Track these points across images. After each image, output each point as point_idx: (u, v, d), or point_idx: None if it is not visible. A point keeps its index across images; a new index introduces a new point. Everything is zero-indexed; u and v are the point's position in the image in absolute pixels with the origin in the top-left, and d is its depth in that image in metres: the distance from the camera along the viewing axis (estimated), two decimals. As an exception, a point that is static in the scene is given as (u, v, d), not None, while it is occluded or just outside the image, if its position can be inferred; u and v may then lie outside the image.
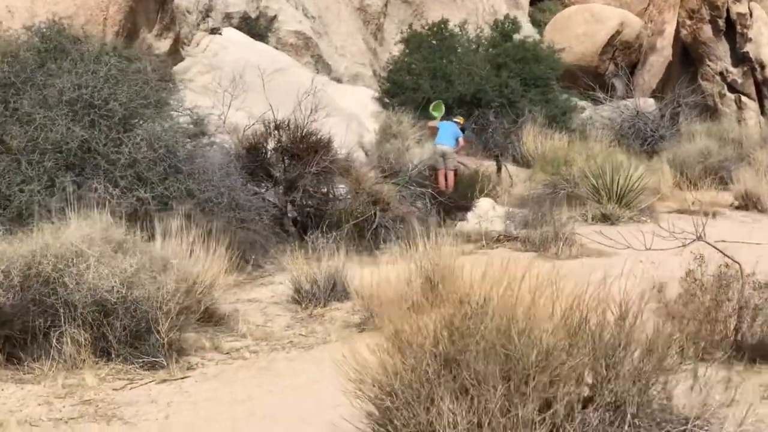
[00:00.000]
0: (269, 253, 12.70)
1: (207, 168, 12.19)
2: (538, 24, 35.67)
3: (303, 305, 10.62)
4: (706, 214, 17.71)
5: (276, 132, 13.66)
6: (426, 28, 25.48)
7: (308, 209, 14.15)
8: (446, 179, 18.31)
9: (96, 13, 14.55)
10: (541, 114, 23.51)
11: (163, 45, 16.45)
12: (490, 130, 23.49)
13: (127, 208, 11.18)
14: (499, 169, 21.57)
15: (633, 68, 34.01)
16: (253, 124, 14.27)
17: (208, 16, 21.87)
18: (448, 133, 18.69)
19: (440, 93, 23.82)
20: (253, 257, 12.06)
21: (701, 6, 28.16)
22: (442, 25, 25.20)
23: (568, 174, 18.47)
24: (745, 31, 27.70)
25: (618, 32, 32.58)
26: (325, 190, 13.82)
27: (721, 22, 27.93)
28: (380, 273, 10.14)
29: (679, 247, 12.80)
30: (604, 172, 17.26)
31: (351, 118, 21.45)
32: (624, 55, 32.68)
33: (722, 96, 28.07)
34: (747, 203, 18.83)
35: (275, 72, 21.02)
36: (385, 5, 27.95)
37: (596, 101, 29.63)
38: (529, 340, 5.27)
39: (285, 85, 20.76)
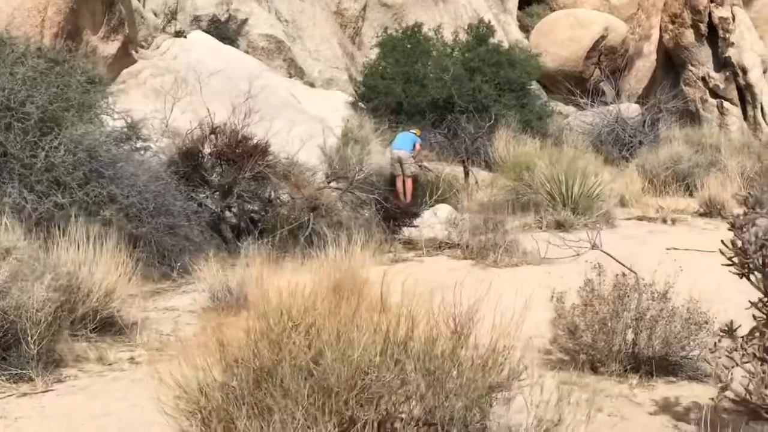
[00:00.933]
0: (199, 260, 12.43)
1: (132, 172, 11.93)
2: (527, 29, 35.44)
3: (218, 314, 10.36)
4: (665, 221, 17.64)
5: (212, 136, 13.37)
6: (400, 32, 25.20)
7: (251, 215, 13.91)
8: (404, 186, 18.07)
9: (33, 15, 14.34)
10: (515, 119, 23.19)
11: (110, 47, 16.25)
12: (462, 135, 23.20)
13: (43, 213, 10.97)
14: (466, 175, 21.34)
15: (620, 73, 33.76)
16: (195, 129, 14.00)
17: (173, 18, 21.66)
18: (405, 140, 18.47)
19: (413, 97, 23.62)
20: (178, 264, 11.80)
21: (683, 10, 27.84)
22: (416, 29, 24.94)
23: (530, 180, 18.18)
24: (727, 35, 27.36)
25: (603, 37, 32.29)
26: (266, 195, 13.53)
27: (703, 27, 27.60)
28: (290, 282, 9.90)
29: (573, 256, 12.55)
30: (560, 178, 16.95)
31: (317, 122, 21.22)
32: (609, 60, 32.38)
33: (704, 101, 27.73)
34: (711, 210, 18.48)
35: (241, 75, 20.84)
36: (363, 9, 27.72)
37: (580, 106, 29.42)
38: (340, 356, 5.02)
39: (253, 89, 20.57)
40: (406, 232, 15.25)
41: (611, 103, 29.29)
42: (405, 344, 5.26)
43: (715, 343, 6.04)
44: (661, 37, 29.60)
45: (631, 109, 29.13)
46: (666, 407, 7.39)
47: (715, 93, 27.87)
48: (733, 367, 5.87)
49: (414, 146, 18.56)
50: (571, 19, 32.73)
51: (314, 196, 13.56)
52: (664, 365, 8.03)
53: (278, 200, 13.85)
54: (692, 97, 28.16)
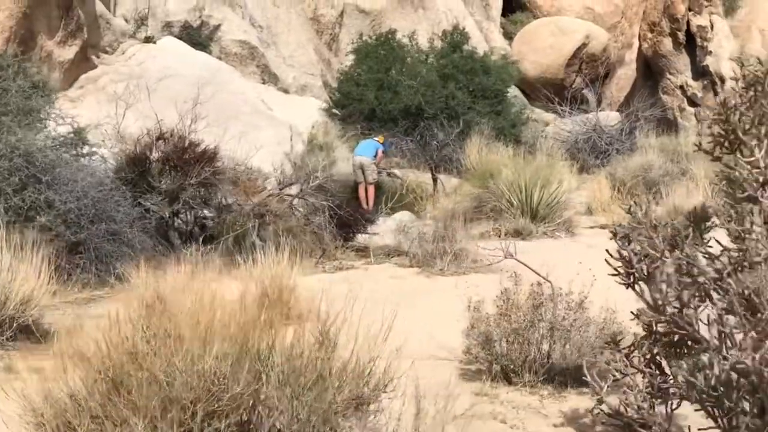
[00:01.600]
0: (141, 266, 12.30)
1: (71, 178, 11.83)
2: (510, 36, 35.37)
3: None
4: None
5: (159, 142, 13.28)
6: (374, 38, 25.12)
7: (202, 221, 13.82)
8: (366, 192, 17.97)
9: (-18, 19, 14.28)
10: (489, 126, 23.06)
11: (67, 52, 16.16)
12: (434, 142, 23.10)
13: (-25, 218, 10.86)
14: (434, 182, 21.25)
15: (601, 81, 33.69)
16: (146, 134, 13.90)
17: (143, 24, 21.57)
18: (368, 146, 18.40)
19: (385, 104, 23.53)
20: (115, 271, 11.68)
21: (662, 18, 27.76)
22: (390, 36, 24.84)
23: (494, 187, 18.07)
24: (705, 44, 27.27)
25: (584, 45, 32.22)
26: (214, 201, 13.43)
27: (681, 35, 27.52)
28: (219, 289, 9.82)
29: (489, 264, 12.43)
30: (521, 185, 16.85)
31: (286, 128, 21.12)
32: (590, 67, 32.29)
33: (682, 110, 27.64)
34: (675, 218, 18.33)
35: (207, 81, 20.74)
36: (341, 15, 27.64)
37: (560, 114, 29.35)
38: (190, 365, 4.90)
39: (218, 94, 20.47)
40: (361, 239, 15.13)
41: (591, 111, 29.23)
42: (265, 354, 5.14)
43: (595, 354, 5.92)
44: (640, 45, 29.51)
45: (610, 117, 29.08)
46: (572, 419, 7.26)
47: (692, 101, 27.77)
48: (614, 379, 5.77)
49: (376, 153, 18.47)
50: (552, 27, 32.65)
51: (263, 202, 13.44)
52: (578, 376, 7.90)
53: (226, 207, 13.72)
54: (670, 105, 28.07)
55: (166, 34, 22.67)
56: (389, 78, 23.82)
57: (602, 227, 17.69)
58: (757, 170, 5.11)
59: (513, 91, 31.95)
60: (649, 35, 28.46)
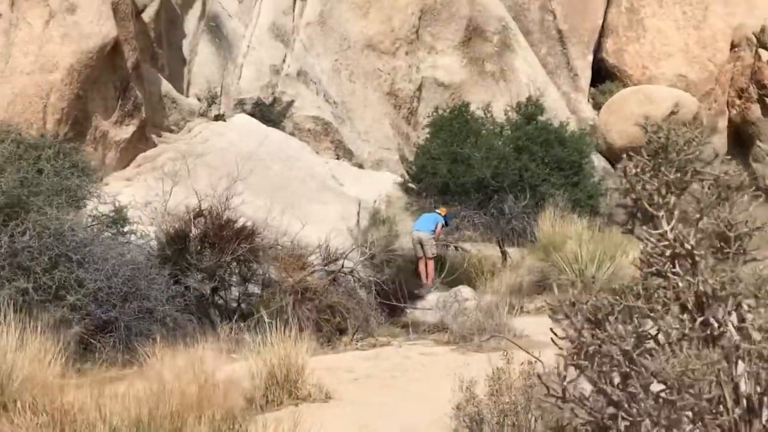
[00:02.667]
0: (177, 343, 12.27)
1: (102, 256, 11.91)
2: (599, 106, 34.88)
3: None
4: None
5: (198, 219, 13.32)
6: (448, 111, 25.03)
7: (246, 298, 13.78)
8: (426, 267, 17.73)
9: (35, 101, 14.63)
10: (564, 198, 22.61)
11: (124, 132, 16.45)
12: (508, 214, 22.76)
13: (5, 298, 10.97)
14: (503, 255, 20.87)
15: (693, 149, 32.88)
16: (186, 212, 13.95)
17: (214, 102, 21.90)
18: (427, 221, 18.19)
19: (458, 177, 23.32)
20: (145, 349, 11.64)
21: (749, 84, 27.03)
22: (464, 108, 24.72)
23: (556, 260, 17.64)
24: (794, 109, 26.44)
25: (673, 113, 31.48)
26: (253, 278, 13.37)
27: (770, 101, 26.74)
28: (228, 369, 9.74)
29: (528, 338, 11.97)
30: (582, 258, 16.39)
31: (353, 203, 21.08)
32: (681, 136, 31.52)
33: (773, 178, 26.73)
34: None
35: (275, 157, 20.91)
36: (419, 89, 27.65)
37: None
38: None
39: (284, 170, 20.61)
40: (410, 314, 14.88)
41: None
42: None
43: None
44: (728, 112, 28.75)
45: (700, 187, 28.30)
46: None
47: (784, 169, 26.87)
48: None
49: (436, 227, 18.23)
50: (640, 96, 32.07)
51: (302, 279, 13.31)
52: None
53: (267, 283, 13.64)
54: (761, 173, 27.16)
55: (238, 112, 22.98)
56: (462, 151, 23.64)
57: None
58: (665, 243, 4.75)
59: (599, 162, 31.48)
60: (737, 102, 27.72)
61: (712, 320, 4.74)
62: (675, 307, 4.66)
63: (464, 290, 16.74)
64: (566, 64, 35.18)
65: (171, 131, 19.32)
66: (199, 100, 22.21)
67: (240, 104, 23.28)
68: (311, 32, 25.42)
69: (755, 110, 27.02)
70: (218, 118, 21.56)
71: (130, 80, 16.49)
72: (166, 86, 19.46)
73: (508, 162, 23.41)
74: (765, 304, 4.62)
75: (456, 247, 20.77)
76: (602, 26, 36.06)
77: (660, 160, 4.80)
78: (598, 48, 36.01)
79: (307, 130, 24.06)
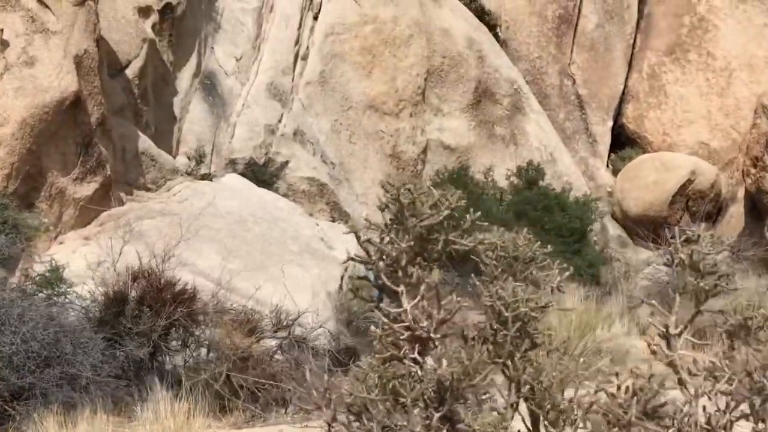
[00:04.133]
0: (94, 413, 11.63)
1: (20, 317, 11.36)
2: (618, 173, 34.11)
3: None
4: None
5: (136, 281, 12.76)
6: (445, 175, 24.43)
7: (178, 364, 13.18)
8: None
9: (-18, 156, 14.24)
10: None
11: (85, 189, 15.98)
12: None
13: None
14: (491, 325, 20.07)
15: (712, 219, 31.99)
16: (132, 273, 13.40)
17: (201, 161, 21.46)
18: None
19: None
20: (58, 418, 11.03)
21: (764, 153, 26.11)
22: (462, 172, 24.11)
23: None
24: (810, 179, 25.46)
25: (690, 181, 30.65)
26: (189, 343, 12.76)
27: (785, 171, 25.78)
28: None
29: None
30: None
31: (338, 268, 20.44)
32: (698, 205, 30.60)
33: (789, 250, 25.66)
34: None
35: (260, 219, 20.38)
36: (423, 152, 27.06)
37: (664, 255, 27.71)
38: None
39: (268, 231, 20.07)
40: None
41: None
42: None
43: None
44: (744, 182, 27.82)
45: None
46: None
47: (799, 240, 25.78)
48: None
49: None
50: (656, 163, 31.28)
51: (249, 345, 12.67)
52: None
53: (212, 348, 13.02)
54: (776, 245, 26.12)
55: (230, 171, 22.52)
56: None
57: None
58: (404, 324, 4.08)
59: (613, 230, 30.67)
60: (753, 171, 26.78)
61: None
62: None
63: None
64: (585, 129, 34.52)
65: (148, 190, 18.86)
66: (188, 159, 21.80)
67: (232, 164, 22.82)
68: (311, 91, 25.01)
69: (770, 180, 26.08)
70: (205, 177, 21.09)
71: (94, 136, 16.07)
72: (145, 143, 19.04)
73: (506, 228, 22.63)
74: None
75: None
76: (623, 92, 35.40)
77: (396, 227, 4.19)
78: (618, 114, 35.32)
79: (301, 191, 23.54)
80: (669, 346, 5.21)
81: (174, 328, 12.78)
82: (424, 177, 26.87)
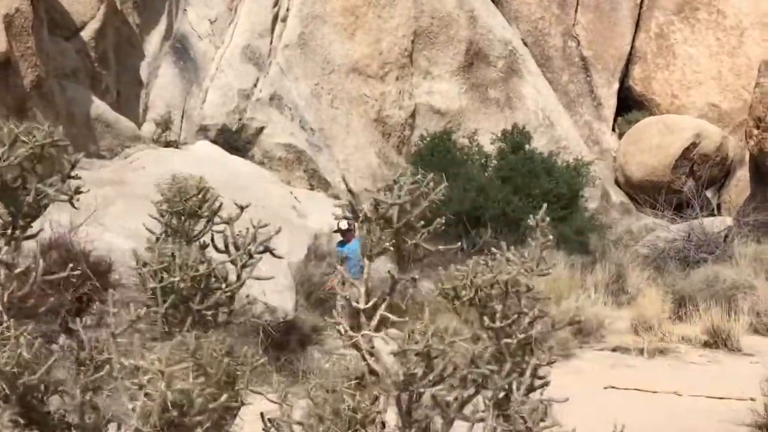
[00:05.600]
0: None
1: None
2: (625, 136, 33.00)
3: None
4: (642, 353, 14.98)
5: (48, 254, 11.96)
6: (426, 140, 23.48)
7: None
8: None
9: None
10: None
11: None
12: (486, 251, 21.04)
13: None
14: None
15: (719, 183, 30.88)
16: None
17: (168, 128, 20.66)
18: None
19: (434, 210, 21.68)
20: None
21: (766, 113, 24.89)
22: (445, 137, 23.15)
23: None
24: (814, 141, 24.23)
25: (694, 144, 29.50)
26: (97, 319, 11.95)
27: (788, 131, 24.56)
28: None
29: None
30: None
31: (306, 237, 19.63)
32: (703, 169, 29.41)
33: (791, 214, 24.46)
34: (716, 340, 15.71)
35: (226, 186, 19.52)
36: (411, 116, 26.10)
37: (673, 220, 26.67)
38: None
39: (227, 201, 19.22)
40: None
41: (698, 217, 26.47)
42: None
43: None
44: (747, 143, 26.61)
45: (717, 224, 26.22)
46: None
47: (803, 205, 24.59)
48: None
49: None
50: (660, 125, 30.13)
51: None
52: None
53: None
54: (780, 211, 24.93)
55: (201, 138, 21.73)
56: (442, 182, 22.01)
57: (613, 350, 15.32)
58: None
59: (616, 197, 29.61)
60: (755, 132, 25.53)
61: None
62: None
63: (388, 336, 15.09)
64: (590, 92, 33.39)
65: (102, 157, 18.08)
66: (156, 125, 21.00)
67: (203, 130, 22.02)
68: (290, 55, 24.10)
69: (773, 141, 24.86)
70: (171, 144, 20.29)
71: (28, 99, 15.28)
72: (99, 108, 18.23)
73: (487, 194, 21.72)
74: None
75: (413, 279, 19.13)
76: (630, 53, 34.21)
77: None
78: (624, 75, 34.15)
79: (278, 158, 22.69)
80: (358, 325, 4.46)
81: (90, 304, 11.97)
82: (412, 143, 25.95)
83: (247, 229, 4.61)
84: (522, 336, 3.73)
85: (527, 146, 23.03)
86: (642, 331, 16.59)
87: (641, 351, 14.84)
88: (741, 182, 29.70)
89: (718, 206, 30.30)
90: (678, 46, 33.78)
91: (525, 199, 22.08)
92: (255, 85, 23.11)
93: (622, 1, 34.27)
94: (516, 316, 3.84)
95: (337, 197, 23.14)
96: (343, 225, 15.09)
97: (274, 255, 4.74)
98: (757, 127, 25.37)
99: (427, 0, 26.65)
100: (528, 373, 3.75)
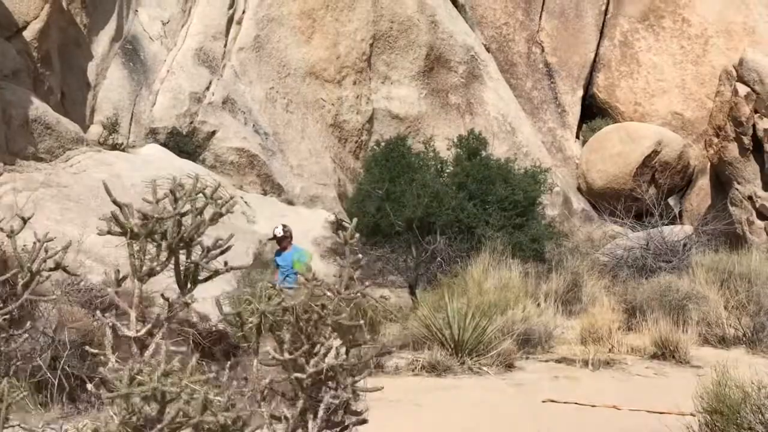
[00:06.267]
0: None
1: None
2: (588, 144, 32.74)
3: None
4: (587, 364, 14.62)
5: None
6: (382, 144, 23.12)
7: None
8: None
9: None
10: (501, 241, 20.45)
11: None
12: (438, 259, 20.74)
13: None
14: (414, 303, 18.83)
15: (681, 191, 30.68)
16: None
17: (114, 130, 20.19)
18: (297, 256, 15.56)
19: (385, 216, 21.37)
20: None
21: (726, 122, 24.71)
22: (399, 142, 22.79)
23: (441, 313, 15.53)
24: (773, 150, 24.07)
25: (655, 152, 29.31)
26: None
27: (747, 140, 24.37)
28: None
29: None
30: (450, 313, 14.36)
31: (255, 244, 19.24)
32: (665, 177, 29.19)
33: (750, 223, 24.32)
34: (664, 351, 15.40)
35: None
36: (369, 122, 25.74)
37: (635, 228, 26.41)
38: None
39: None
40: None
41: (658, 225, 26.23)
42: None
43: None
44: (707, 152, 26.45)
45: (677, 232, 25.99)
46: None
47: (762, 214, 24.41)
48: None
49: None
50: (621, 133, 29.93)
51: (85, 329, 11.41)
52: None
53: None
54: (739, 218, 24.77)
55: (150, 142, 21.27)
56: (393, 188, 21.68)
57: (558, 361, 14.96)
58: None
59: (578, 204, 29.36)
60: (715, 140, 25.39)
61: None
62: None
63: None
64: (554, 99, 33.18)
65: (40, 160, 17.58)
66: (104, 127, 20.53)
67: (152, 133, 21.55)
68: (244, 57, 23.70)
69: (732, 149, 24.67)
70: (117, 147, 19.82)
71: (-46, 100, 14.83)
72: (38, 110, 17.72)
73: (441, 201, 21.37)
74: None
75: (363, 295, 18.76)
76: (594, 60, 34.01)
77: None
78: (589, 83, 33.94)
79: (230, 162, 22.26)
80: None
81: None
82: (369, 148, 25.56)
83: (35, 243, 4.17)
84: (313, 370, 3.31)
85: (483, 152, 22.68)
86: (591, 342, 16.28)
87: (587, 362, 14.45)
88: (703, 191, 29.52)
89: (680, 214, 30.08)
90: (642, 54, 33.60)
91: (480, 206, 21.73)
92: (207, 88, 22.68)
93: (587, 8, 34.07)
94: (308, 346, 3.42)
95: (290, 202, 22.77)
96: (278, 232, 14.67)
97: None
98: (717, 136, 25.24)
99: (387, 4, 26.29)
100: (321, 411, 3.33)
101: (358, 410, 3.61)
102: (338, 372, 3.46)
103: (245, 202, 21.19)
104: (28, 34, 18.57)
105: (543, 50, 33.44)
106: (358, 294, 3.91)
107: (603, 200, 29.09)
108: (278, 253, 14.92)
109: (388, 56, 26.40)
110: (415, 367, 13.48)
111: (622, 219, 26.23)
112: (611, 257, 24.14)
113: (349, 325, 3.67)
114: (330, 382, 3.48)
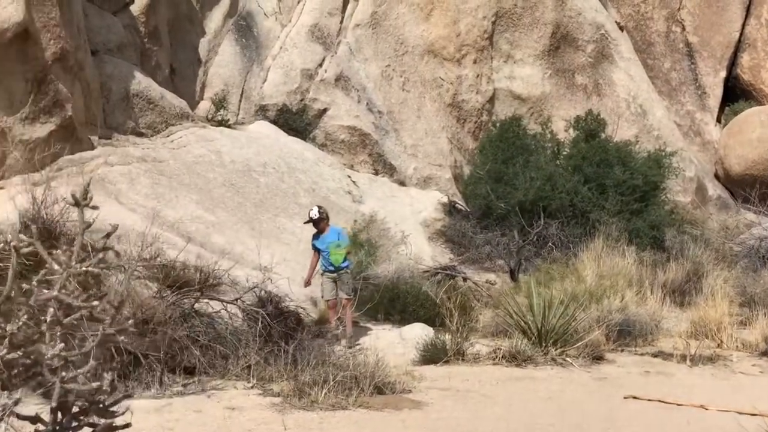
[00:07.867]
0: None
1: None
2: (730, 128, 31.05)
3: None
4: (684, 359, 13.61)
5: (27, 230, 11.42)
6: (497, 126, 22.35)
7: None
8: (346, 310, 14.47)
9: None
10: (617, 227, 19.49)
11: (38, 130, 14.67)
12: (550, 244, 19.91)
13: None
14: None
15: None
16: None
17: (222, 106, 20.06)
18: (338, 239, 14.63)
19: (497, 199, 20.66)
20: None
21: None
22: (514, 123, 21.98)
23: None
24: None
25: (799, 137, 27.54)
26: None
27: None
28: None
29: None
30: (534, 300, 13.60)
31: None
32: (811, 164, 27.45)
33: None
34: (766, 351, 14.29)
35: (273, 169, 18.90)
36: (490, 102, 24.94)
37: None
38: None
39: (277, 183, 18.60)
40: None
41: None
42: None
43: None
44: None
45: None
46: None
47: None
48: None
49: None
50: (762, 116, 28.21)
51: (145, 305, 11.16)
52: None
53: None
54: None
55: (260, 119, 21.08)
56: (506, 170, 20.92)
57: (655, 355, 14.00)
58: None
59: (714, 190, 27.96)
60: None
61: None
62: None
63: (415, 329, 14.20)
64: (693, 80, 31.60)
65: (141, 135, 17.52)
66: (213, 104, 20.43)
67: (262, 110, 21.34)
68: (361, 34, 23.24)
69: None
70: (221, 123, 19.67)
71: (49, 72, 14.77)
72: (142, 85, 17.65)
73: (555, 184, 20.49)
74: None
75: (464, 278, 18.19)
76: (739, 40, 32.19)
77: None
78: (732, 64, 32.17)
79: (340, 141, 21.87)
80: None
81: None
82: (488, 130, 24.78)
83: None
84: None
85: (602, 134, 21.65)
86: (700, 336, 15.24)
87: (685, 358, 13.47)
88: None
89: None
90: (791, 33, 31.66)
91: (596, 190, 20.76)
92: (320, 65, 22.33)
93: (732, -15, 32.32)
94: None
95: (402, 183, 22.27)
96: (314, 214, 13.82)
97: None
98: None
99: (511, -20, 25.43)
100: None
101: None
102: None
103: (353, 182, 20.79)
104: (135, 8, 18.57)
105: (684, 29, 31.87)
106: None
107: (741, 187, 27.53)
108: (315, 236, 14.04)
109: (512, 34, 25.52)
110: (496, 356, 12.80)
111: (756, 206, 24.79)
112: (743, 247, 22.80)
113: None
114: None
